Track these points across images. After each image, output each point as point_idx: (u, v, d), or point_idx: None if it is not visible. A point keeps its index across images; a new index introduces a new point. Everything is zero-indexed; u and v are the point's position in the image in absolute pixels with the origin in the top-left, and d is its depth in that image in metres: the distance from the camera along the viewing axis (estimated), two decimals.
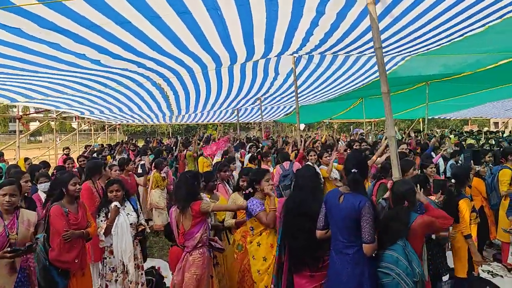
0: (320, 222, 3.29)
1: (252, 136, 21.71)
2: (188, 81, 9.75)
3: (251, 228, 3.76)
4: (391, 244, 2.97)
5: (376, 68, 9.31)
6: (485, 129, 29.81)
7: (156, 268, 5.71)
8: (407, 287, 2.85)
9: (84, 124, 21.94)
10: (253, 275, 3.67)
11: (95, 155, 11.72)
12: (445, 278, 4.79)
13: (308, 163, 6.82)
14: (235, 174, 6.69)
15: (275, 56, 8.31)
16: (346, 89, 12.44)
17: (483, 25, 6.20)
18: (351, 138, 17.61)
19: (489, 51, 8.42)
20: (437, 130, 26.40)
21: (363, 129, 24.32)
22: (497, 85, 12.64)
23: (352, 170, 3.13)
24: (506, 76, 10.72)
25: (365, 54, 8.40)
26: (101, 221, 4.39)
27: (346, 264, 3.02)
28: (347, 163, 3.26)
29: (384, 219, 3.12)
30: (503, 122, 32.98)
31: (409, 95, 14.22)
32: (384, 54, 8.41)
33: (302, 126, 28.45)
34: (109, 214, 4.39)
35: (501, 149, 7.79)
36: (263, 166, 7.81)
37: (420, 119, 24.18)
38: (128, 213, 4.52)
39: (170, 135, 26.86)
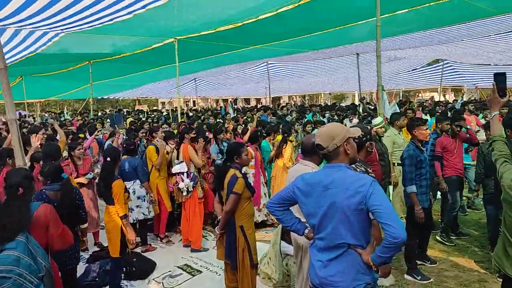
0: None
1: None
2: None
3: None
4: (9, 241, 2.60)
5: (28, 43, 8.41)
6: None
7: None
8: (32, 286, 2.58)
9: None
10: None
11: None
12: None
13: None
14: None
15: None
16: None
17: (129, 12, 6.80)
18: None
19: (143, 34, 9.03)
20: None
21: (26, 111, 21.74)
22: (154, 67, 13.96)
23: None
24: (155, 59, 12.08)
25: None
26: None
27: None
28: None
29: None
30: (169, 102, 35.85)
31: (73, 74, 13.74)
32: (33, 29, 7.65)
33: None
34: None
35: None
36: None
37: (91, 99, 23.87)
38: None
39: None
